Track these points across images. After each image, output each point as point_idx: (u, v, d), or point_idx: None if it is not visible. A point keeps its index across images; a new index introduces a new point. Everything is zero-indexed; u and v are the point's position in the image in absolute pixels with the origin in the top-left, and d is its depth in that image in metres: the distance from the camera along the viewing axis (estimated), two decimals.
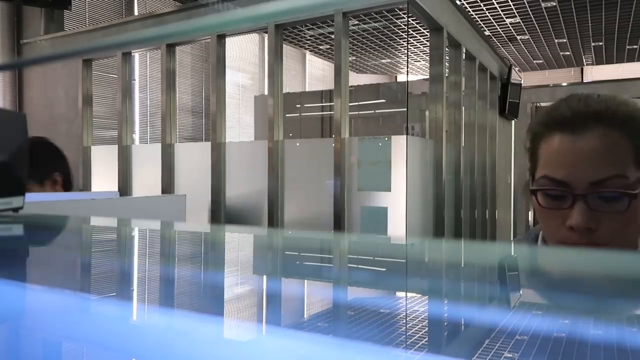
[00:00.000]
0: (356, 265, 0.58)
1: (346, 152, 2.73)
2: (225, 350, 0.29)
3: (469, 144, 3.77)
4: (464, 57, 3.60)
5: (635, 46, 8.89)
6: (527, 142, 0.83)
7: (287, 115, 4.36)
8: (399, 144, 2.64)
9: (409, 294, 0.45)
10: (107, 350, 0.31)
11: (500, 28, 8.16)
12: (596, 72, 10.97)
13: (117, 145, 3.66)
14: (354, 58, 9.57)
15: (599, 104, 0.75)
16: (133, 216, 1.41)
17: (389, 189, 2.64)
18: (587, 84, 8.59)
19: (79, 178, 3.92)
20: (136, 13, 6.21)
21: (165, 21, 3.54)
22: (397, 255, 0.64)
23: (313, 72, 9.68)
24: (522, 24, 7.90)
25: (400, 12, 6.84)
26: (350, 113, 2.82)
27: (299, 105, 5.99)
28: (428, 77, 3.12)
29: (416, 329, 0.33)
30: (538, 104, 6.57)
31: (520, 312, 0.37)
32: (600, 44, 8.81)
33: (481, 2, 7.03)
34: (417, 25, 7.66)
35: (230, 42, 3.66)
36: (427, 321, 0.35)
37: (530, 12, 7.37)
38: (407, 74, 11.30)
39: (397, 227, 2.62)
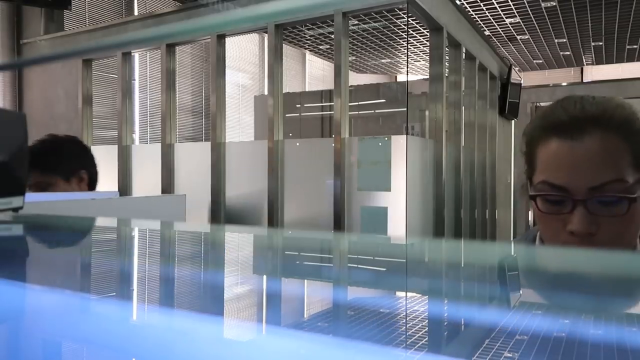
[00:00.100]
0: (356, 265, 0.58)
1: (346, 152, 2.73)
2: (225, 350, 0.29)
3: (469, 143, 3.77)
4: (463, 57, 3.60)
5: (635, 46, 8.89)
6: (522, 146, 0.83)
7: (287, 115, 4.36)
8: (398, 144, 2.64)
9: (409, 294, 0.45)
10: (107, 350, 0.31)
11: (500, 28, 8.16)
12: (596, 72, 10.97)
13: (117, 145, 3.66)
14: (354, 58, 9.57)
15: (595, 107, 0.75)
16: (133, 216, 1.41)
17: (389, 189, 2.64)
18: (587, 83, 8.60)
19: None
20: (136, 13, 6.21)
21: (165, 21, 3.54)
22: (397, 255, 0.64)
23: (313, 72, 9.68)
24: (522, 23, 7.90)
25: (400, 12, 6.84)
26: (350, 113, 2.82)
27: (299, 105, 5.99)
28: (428, 77, 3.12)
29: (416, 328, 0.33)
30: (538, 104, 6.57)
31: (520, 312, 0.37)
32: (600, 43, 8.81)
33: (481, 2, 7.03)
34: (417, 25, 7.66)
35: (230, 42, 3.66)
36: (427, 321, 0.35)
37: (530, 12, 7.37)
38: (407, 74, 11.30)
39: (397, 227, 2.62)
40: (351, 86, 3.50)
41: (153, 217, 1.50)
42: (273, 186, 2.92)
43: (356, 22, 7.46)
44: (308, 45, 8.92)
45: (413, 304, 0.41)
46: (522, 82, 5.27)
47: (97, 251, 0.70)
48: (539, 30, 8.23)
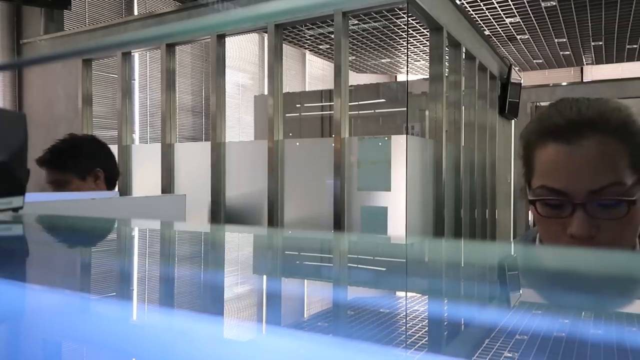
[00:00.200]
0: (356, 265, 0.58)
1: (346, 151, 2.73)
2: (225, 350, 0.29)
3: (469, 143, 3.77)
4: (463, 57, 3.60)
5: (635, 46, 8.89)
6: (520, 149, 0.83)
7: (287, 115, 4.36)
8: (398, 144, 2.63)
9: (409, 294, 0.45)
10: (107, 350, 0.31)
11: (500, 28, 8.16)
12: (596, 72, 10.96)
13: (117, 145, 3.66)
14: (353, 58, 9.56)
15: (591, 110, 0.75)
16: (133, 216, 1.41)
17: (388, 189, 2.64)
18: (586, 83, 8.59)
19: None
20: (136, 13, 6.21)
21: (165, 21, 3.53)
22: (397, 255, 0.64)
23: (313, 71, 9.68)
24: (522, 23, 7.90)
25: (400, 12, 6.84)
26: (350, 113, 2.82)
27: (298, 105, 5.99)
28: (428, 76, 3.12)
29: (416, 328, 0.33)
30: (538, 104, 6.57)
31: (520, 312, 0.37)
32: (600, 43, 8.81)
33: (481, 1, 7.03)
34: (417, 25, 7.66)
35: (230, 41, 3.66)
36: (427, 321, 0.35)
37: (530, 12, 7.37)
38: (407, 74, 11.30)
39: (397, 227, 2.62)
40: (351, 86, 3.50)
41: (153, 217, 1.50)
42: (273, 186, 2.92)
43: (356, 21, 7.46)
44: (308, 45, 8.92)
45: (413, 303, 0.41)
46: (522, 81, 5.27)
47: (97, 251, 0.70)
48: (539, 30, 8.22)
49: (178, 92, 3.74)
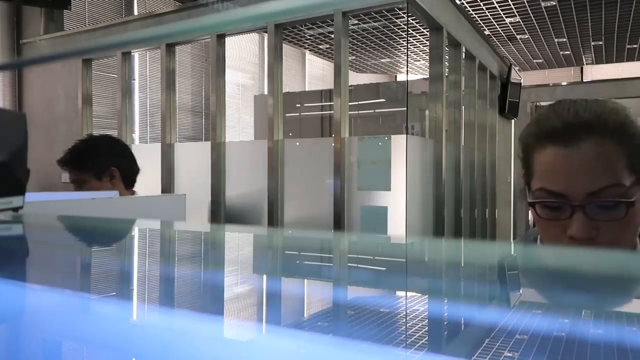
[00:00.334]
0: (356, 265, 0.58)
1: (346, 151, 2.73)
2: (225, 350, 0.29)
3: (469, 143, 3.77)
4: (463, 57, 3.60)
5: (635, 45, 8.89)
6: (519, 151, 0.84)
7: (287, 114, 4.36)
8: (398, 144, 2.63)
9: (409, 294, 0.45)
10: (107, 350, 0.31)
11: (500, 27, 8.16)
12: (596, 72, 10.96)
13: None
14: (353, 57, 9.56)
15: (589, 112, 0.75)
16: (133, 216, 1.41)
17: (388, 189, 2.64)
18: (586, 83, 8.59)
19: None
20: (136, 13, 6.21)
21: (165, 21, 3.53)
22: (397, 255, 0.64)
23: (313, 71, 9.68)
24: (521, 23, 7.90)
25: (400, 12, 6.84)
26: (350, 112, 2.82)
27: (298, 105, 5.99)
28: (428, 76, 3.12)
29: (416, 328, 0.33)
30: (538, 103, 6.57)
31: (520, 312, 0.37)
32: (600, 43, 8.81)
33: (481, 1, 7.03)
34: (417, 25, 7.66)
35: (230, 41, 3.66)
36: (427, 320, 0.35)
37: (530, 12, 7.37)
38: (407, 74, 11.30)
39: (397, 227, 2.62)
40: (351, 86, 3.50)
41: (153, 217, 1.50)
42: (273, 186, 2.92)
43: (356, 21, 7.45)
44: (308, 45, 8.92)
45: (413, 303, 0.41)
46: (522, 81, 5.27)
47: (97, 251, 0.70)
48: (538, 30, 8.22)
49: (178, 92, 3.74)
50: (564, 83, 7.53)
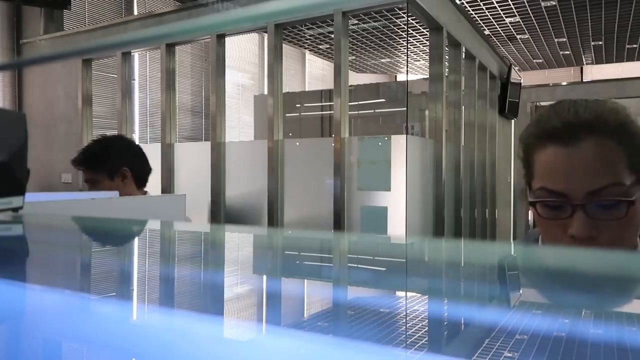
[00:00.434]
0: (356, 265, 0.58)
1: (346, 151, 2.73)
2: (225, 350, 0.29)
3: (469, 143, 3.77)
4: (463, 57, 3.60)
5: (634, 45, 8.89)
6: (520, 151, 0.84)
7: (286, 114, 4.35)
8: (398, 144, 2.63)
9: (409, 294, 0.45)
10: (107, 350, 0.31)
11: (500, 27, 8.16)
12: (596, 72, 10.96)
13: None
14: (353, 57, 9.56)
15: (588, 112, 0.75)
16: (133, 216, 1.41)
17: (388, 189, 2.64)
18: (586, 83, 8.59)
19: (78, 178, 3.92)
20: (136, 13, 6.21)
21: (164, 21, 3.53)
22: (397, 255, 0.64)
23: (313, 71, 9.67)
24: (521, 23, 7.90)
25: (399, 12, 6.84)
26: (350, 112, 2.82)
27: (298, 105, 5.99)
28: (428, 76, 3.12)
29: (416, 328, 0.33)
30: (538, 103, 6.57)
31: (520, 312, 0.37)
32: (600, 43, 8.81)
33: (481, 1, 7.03)
34: (417, 25, 7.66)
35: (230, 41, 3.66)
36: (427, 321, 0.35)
37: (530, 12, 7.37)
38: (407, 74, 11.30)
39: (397, 227, 2.62)
40: (351, 86, 3.50)
41: (153, 217, 1.50)
42: (273, 186, 2.92)
43: (356, 21, 7.45)
44: (308, 45, 8.92)
45: (413, 303, 0.41)
46: (522, 81, 5.27)
47: (97, 251, 0.70)
48: (538, 30, 8.22)
49: (178, 92, 3.74)
50: (564, 83, 7.53)
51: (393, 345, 0.29)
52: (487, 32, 8.19)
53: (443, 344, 0.32)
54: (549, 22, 7.81)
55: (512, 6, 7.17)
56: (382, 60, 9.89)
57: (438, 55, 3.02)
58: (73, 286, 0.48)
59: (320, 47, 8.95)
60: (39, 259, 0.61)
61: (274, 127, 2.97)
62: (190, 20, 0.62)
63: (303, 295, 0.45)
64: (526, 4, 7.04)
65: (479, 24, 7.77)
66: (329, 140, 2.86)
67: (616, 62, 10.14)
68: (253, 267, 0.60)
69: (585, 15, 7.35)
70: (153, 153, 3.47)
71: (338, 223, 2.72)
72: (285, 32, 3.88)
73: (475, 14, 7.45)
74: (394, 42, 8.64)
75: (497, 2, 7.05)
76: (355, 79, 10.14)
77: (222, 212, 3.15)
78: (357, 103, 5.38)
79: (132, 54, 3.86)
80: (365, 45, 8.82)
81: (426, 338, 0.32)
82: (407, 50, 9.49)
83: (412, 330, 0.32)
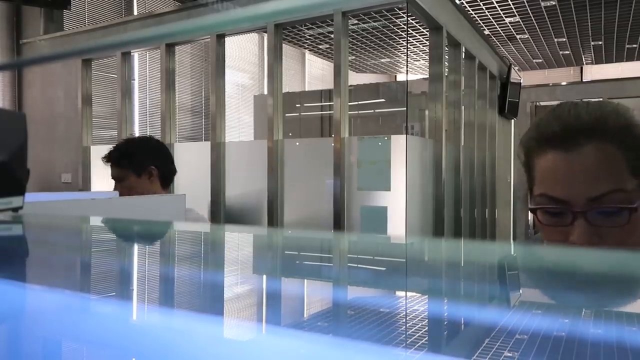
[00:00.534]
0: (356, 265, 0.58)
1: (346, 151, 2.73)
2: (225, 350, 0.29)
3: (469, 143, 3.77)
4: (463, 57, 3.60)
5: (634, 45, 8.90)
6: (521, 155, 0.82)
7: (286, 114, 4.36)
8: (398, 144, 2.64)
9: (409, 294, 0.45)
10: (107, 350, 0.31)
11: (499, 27, 8.16)
12: (596, 71, 10.97)
13: None
14: (353, 57, 9.57)
15: (589, 115, 0.73)
16: (133, 216, 1.41)
17: (388, 189, 2.64)
18: (586, 83, 8.59)
19: (78, 178, 3.92)
20: (135, 13, 6.21)
21: (164, 21, 3.53)
22: (397, 255, 0.64)
23: (312, 71, 9.68)
24: (521, 23, 7.90)
25: (399, 12, 6.84)
26: (349, 112, 2.82)
27: (298, 105, 5.99)
28: (427, 76, 3.12)
29: (416, 328, 0.33)
30: (538, 103, 6.58)
31: (520, 312, 0.37)
32: (600, 43, 8.82)
33: (481, 1, 7.03)
34: (417, 25, 7.66)
35: (229, 41, 3.66)
36: (426, 320, 0.35)
37: (529, 12, 7.37)
38: (407, 73, 11.30)
39: (396, 227, 2.62)
40: (351, 86, 3.50)
41: (152, 217, 1.50)
42: (273, 186, 2.92)
43: (356, 21, 7.46)
44: (308, 45, 8.92)
45: (413, 303, 0.41)
46: (521, 81, 5.28)
47: (97, 251, 0.70)
48: (538, 30, 8.23)
49: (178, 92, 3.74)
50: (564, 83, 7.54)
51: (393, 345, 0.29)
52: (487, 32, 8.20)
53: (443, 344, 0.32)
54: (548, 22, 7.81)
55: (512, 6, 7.17)
56: (382, 60, 9.89)
57: (438, 55, 3.02)
58: (73, 286, 0.48)
59: (320, 47, 8.96)
60: (39, 259, 0.61)
61: (274, 127, 2.97)
62: (190, 20, 0.62)
63: (303, 295, 0.45)
64: (526, 4, 7.04)
65: (479, 23, 7.77)
66: (329, 140, 2.86)
67: (616, 62, 10.14)
68: (253, 267, 0.60)
69: (585, 15, 7.35)
70: None
71: (338, 223, 2.73)
72: (285, 32, 3.88)
73: (475, 14, 7.45)
74: (393, 42, 8.65)
75: (497, 2, 7.05)
76: (355, 79, 10.15)
77: (222, 212, 3.15)
78: (357, 103, 5.38)
79: (131, 54, 3.87)
80: (365, 45, 8.82)
81: (426, 338, 0.32)
82: (407, 50, 9.49)
83: (412, 330, 0.32)
